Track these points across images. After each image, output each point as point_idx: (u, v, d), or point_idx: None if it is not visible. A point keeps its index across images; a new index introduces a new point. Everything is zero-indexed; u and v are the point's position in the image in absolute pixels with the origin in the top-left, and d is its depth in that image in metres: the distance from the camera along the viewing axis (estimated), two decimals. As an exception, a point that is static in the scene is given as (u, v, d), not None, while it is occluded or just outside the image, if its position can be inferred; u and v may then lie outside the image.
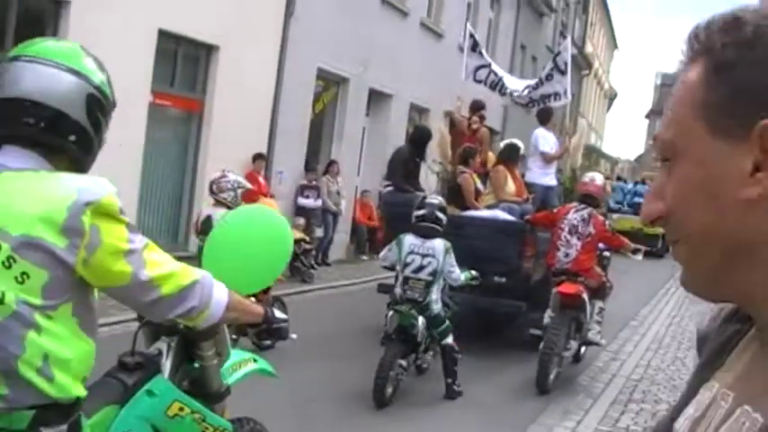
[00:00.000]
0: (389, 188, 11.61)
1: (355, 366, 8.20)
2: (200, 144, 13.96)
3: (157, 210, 13.50)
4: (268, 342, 7.67)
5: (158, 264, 2.42)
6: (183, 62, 13.67)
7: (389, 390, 7.40)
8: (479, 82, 12.73)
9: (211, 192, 8.61)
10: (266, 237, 3.31)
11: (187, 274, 2.49)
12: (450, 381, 7.79)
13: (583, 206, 9.10)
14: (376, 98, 19.43)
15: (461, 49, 22.09)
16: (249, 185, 9.61)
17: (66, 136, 2.36)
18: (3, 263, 2.20)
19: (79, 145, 2.41)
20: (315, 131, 17.33)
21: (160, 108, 12.92)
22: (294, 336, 7.39)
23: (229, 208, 8.04)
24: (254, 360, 3.93)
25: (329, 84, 17.77)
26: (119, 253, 2.32)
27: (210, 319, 2.61)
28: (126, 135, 11.46)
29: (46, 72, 2.32)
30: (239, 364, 3.75)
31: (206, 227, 7.88)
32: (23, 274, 2.20)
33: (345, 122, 18.17)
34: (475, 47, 12.79)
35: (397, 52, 18.95)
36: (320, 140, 18.04)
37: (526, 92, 12.81)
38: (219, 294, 2.59)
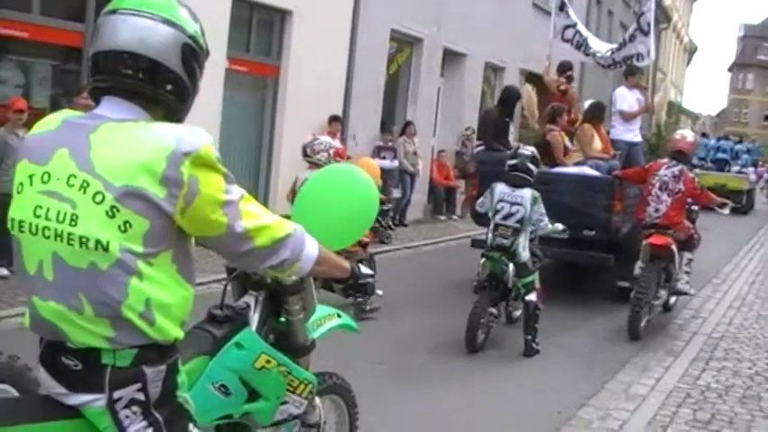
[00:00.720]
0: (481, 147, 12.08)
1: (445, 318, 8.64)
2: (276, 109, 14.07)
3: (237, 174, 13.63)
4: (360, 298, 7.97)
5: (254, 215, 2.48)
6: (258, 28, 13.77)
7: (481, 336, 7.80)
8: (567, 41, 12.97)
9: (305, 155, 8.96)
10: (352, 193, 3.38)
11: (281, 226, 2.56)
12: (529, 337, 7.89)
13: (674, 163, 9.30)
14: (450, 58, 19.29)
15: (536, 6, 22.02)
16: (339, 144, 9.90)
17: (162, 86, 2.43)
18: (106, 212, 2.28)
19: (175, 94, 2.47)
20: (390, 93, 17.32)
21: (236, 74, 13.03)
22: (380, 292, 7.84)
23: None
24: (338, 315, 3.99)
25: (403, 45, 17.71)
26: (216, 203, 2.38)
27: (301, 272, 2.68)
28: (202, 101, 11.45)
29: (142, 24, 2.38)
30: (324, 319, 3.82)
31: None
32: (126, 222, 2.28)
33: (420, 83, 18.10)
34: (563, 6, 12.94)
35: (471, 10, 18.74)
36: (395, 101, 18.02)
37: (609, 53, 12.86)
38: (310, 248, 2.65)
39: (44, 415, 2.46)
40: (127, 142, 2.33)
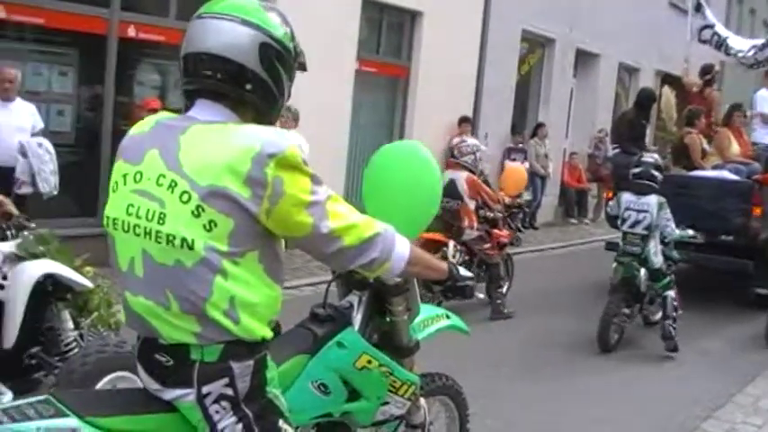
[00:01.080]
0: (616, 150, 11.96)
1: (580, 318, 8.80)
2: (405, 109, 14.12)
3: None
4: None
5: (341, 215, 2.47)
6: (388, 29, 13.85)
7: (615, 336, 8.00)
8: (704, 42, 12.67)
9: (452, 156, 9.17)
10: (411, 170, 3.34)
11: (369, 226, 2.54)
12: (669, 329, 7.94)
13: None
14: (583, 58, 18.94)
15: (672, 5, 21.39)
16: (484, 148, 10.04)
17: (242, 85, 2.44)
18: (192, 212, 2.32)
19: (257, 94, 2.48)
20: (521, 94, 17.13)
21: (366, 74, 13.15)
22: (481, 296, 7.94)
23: (471, 171, 8.82)
24: (447, 316, 3.95)
25: (534, 45, 17.50)
26: (301, 204, 2.38)
27: (392, 272, 2.65)
28: (333, 102, 11.81)
29: (220, 26, 2.42)
30: (431, 320, 3.78)
31: (448, 190, 8.38)
32: (211, 222, 2.31)
33: (552, 84, 17.84)
34: (699, 7, 12.63)
35: (604, 10, 18.32)
36: (527, 103, 17.83)
37: (752, 52, 12.46)
38: (401, 248, 2.63)
39: (145, 408, 2.53)
40: (213, 143, 2.36)
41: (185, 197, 2.33)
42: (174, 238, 2.34)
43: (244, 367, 2.45)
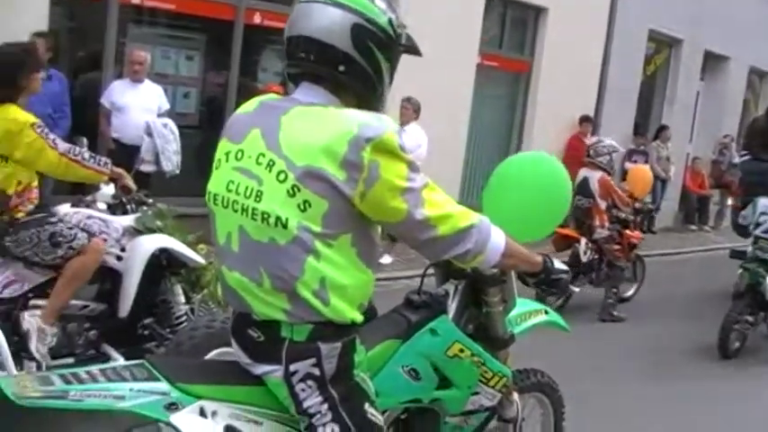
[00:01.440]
0: (746, 157, 11.56)
1: (700, 324, 8.61)
2: (526, 106, 14.03)
3: (483, 169, 13.73)
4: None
5: (437, 204, 2.49)
6: (511, 24, 13.78)
7: (736, 343, 7.87)
8: None
9: (588, 155, 9.20)
10: (544, 184, 3.32)
11: (465, 216, 2.55)
12: None
13: None
14: (711, 61, 18.38)
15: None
16: (621, 149, 10.02)
17: (335, 66, 2.48)
18: (288, 191, 2.37)
19: (352, 76, 2.51)
20: (645, 95, 16.79)
21: (488, 69, 13.12)
22: (577, 289, 8.19)
23: (606, 171, 8.90)
24: (546, 312, 3.94)
25: (661, 45, 17.11)
26: (396, 190, 2.40)
27: (486, 263, 2.66)
28: (454, 95, 11.83)
29: (314, 8, 2.47)
30: (529, 314, 3.77)
31: (581, 188, 8.74)
32: (305, 202, 2.36)
33: (678, 86, 17.39)
34: None
35: (734, 11, 17.68)
36: (651, 104, 17.44)
37: None
38: (496, 240, 2.62)
39: (235, 379, 2.63)
40: (312, 125, 2.41)
41: (282, 176, 2.39)
42: (269, 215, 2.40)
43: (331, 348, 2.50)
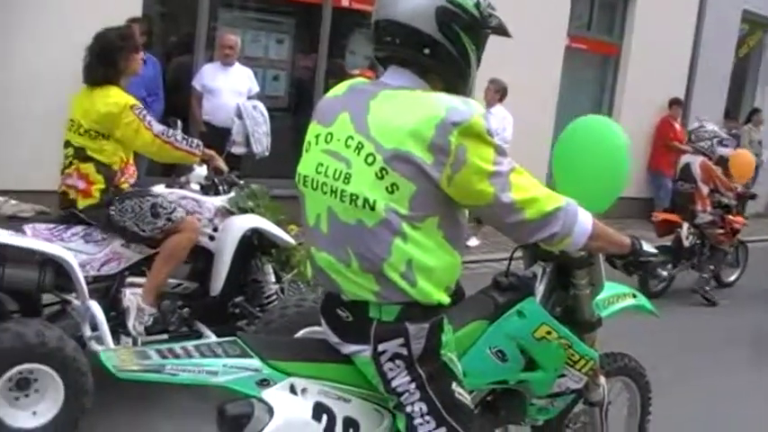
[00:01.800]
0: None
1: None
2: (615, 88, 13.85)
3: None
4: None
5: (524, 188, 2.50)
6: (600, 6, 13.59)
7: None
8: None
9: (689, 140, 9.36)
10: (599, 144, 3.29)
11: (552, 200, 2.56)
12: None
13: None
14: (810, 42, 17.88)
15: None
16: (725, 136, 10.01)
17: (419, 49, 2.51)
18: (376, 173, 2.42)
19: (437, 59, 2.54)
20: (737, 77, 16.40)
21: (576, 52, 12.98)
22: (665, 273, 8.22)
23: (708, 156, 9.00)
24: (634, 296, 3.92)
25: (755, 27, 16.66)
26: (483, 173, 2.43)
27: (573, 246, 2.66)
28: (542, 78, 11.75)
29: None
30: (616, 297, 3.75)
31: (684, 173, 9.04)
32: (393, 185, 2.41)
33: (772, 68, 16.98)
34: None
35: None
36: (743, 87, 17.03)
37: None
38: (584, 222, 2.63)
39: (325, 356, 2.70)
40: (400, 108, 2.45)
41: (370, 159, 2.43)
42: (358, 197, 2.45)
43: (419, 329, 2.54)
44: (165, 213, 4.84)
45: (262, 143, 8.12)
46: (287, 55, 10.28)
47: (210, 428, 4.13)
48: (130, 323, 4.77)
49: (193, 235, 4.94)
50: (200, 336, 5.08)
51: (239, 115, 8.20)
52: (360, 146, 2.47)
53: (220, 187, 5.33)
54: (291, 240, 5.29)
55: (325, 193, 2.54)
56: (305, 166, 2.65)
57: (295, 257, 5.43)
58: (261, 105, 8.38)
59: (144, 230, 4.82)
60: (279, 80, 10.24)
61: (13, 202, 4.84)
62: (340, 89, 2.69)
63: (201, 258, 5.14)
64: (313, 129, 2.67)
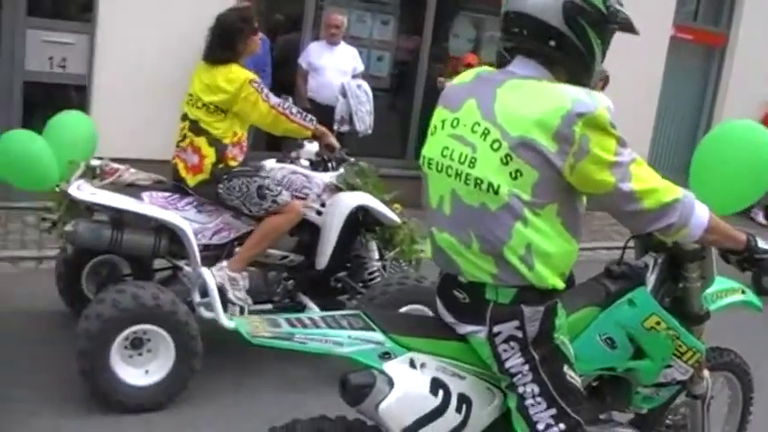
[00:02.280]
0: None
1: None
2: (719, 80, 13.53)
3: (670, 145, 13.41)
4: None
5: (643, 179, 2.55)
6: (708, -5, 13.34)
7: None
8: None
9: None
10: (748, 155, 3.29)
11: (670, 191, 2.59)
12: None
13: None
14: None
15: None
16: None
17: (546, 41, 2.58)
18: (501, 159, 2.49)
19: (563, 52, 2.60)
20: None
21: (681, 42, 12.74)
22: None
23: None
24: (743, 292, 3.90)
25: None
26: (604, 163, 2.49)
27: (688, 238, 2.69)
28: (645, 68, 11.58)
29: None
30: (725, 292, 3.73)
31: None
32: (517, 171, 2.48)
33: None
34: None
35: None
36: None
37: None
38: (700, 215, 2.65)
39: (442, 334, 2.78)
40: (526, 97, 2.52)
41: (496, 145, 2.50)
42: (482, 181, 2.52)
43: (534, 312, 2.61)
44: (271, 196, 4.98)
45: (364, 121, 8.22)
46: (391, 36, 10.34)
47: (307, 396, 4.29)
48: (230, 295, 4.91)
49: (294, 217, 5.07)
50: (303, 308, 5.21)
51: (343, 94, 8.33)
52: (486, 132, 2.54)
53: (329, 164, 5.44)
54: (396, 219, 5.38)
55: (450, 175, 2.62)
56: (430, 149, 2.73)
57: (398, 236, 5.51)
58: (365, 84, 8.49)
59: (250, 210, 4.98)
60: (382, 61, 10.31)
61: (133, 170, 5.02)
62: (467, 76, 2.76)
63: (308, 232, 5.27)
64: (439, 113, 2.75)
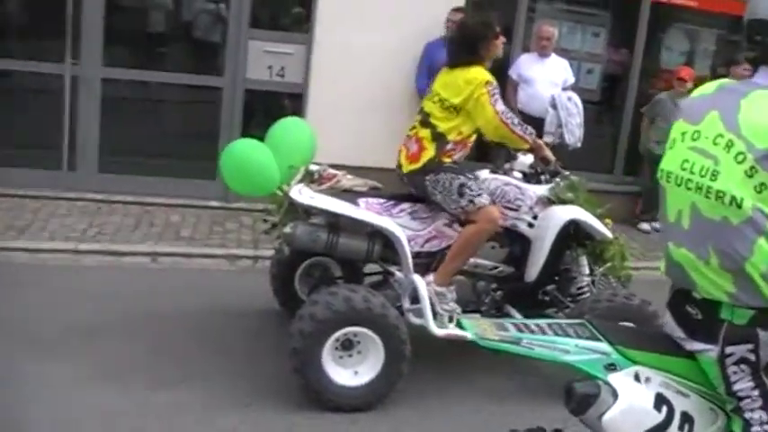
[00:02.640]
0: None
1: None
2: None
3: None
4: None
5: None
6: None
7: None
8: None
9: None
10: None
11: None
12: None
13: None
14: None
15: None
16: None
17: None
18: (745, 172, 2.41)
19: None
20: None
21: None
22: None
23: None
24: None
25: None
26: None
27: None
28: None
29: None
30: None
31: None
32: (762, 184, 2.39)
33: None
34: None
35: None
36: None
37: None
38: None
39: (670, 350, 2.72)
40: None
41: (740, 157, 2.42)
42: (724, 195, 2.45)
43: None
44: (470, 195, 4.97)
45: (574, 134, 8.07)
46: (601, 48, 10.17)
47: (510, 407, 4.25)
48: (438, 308, 4.93)
49: (491, 226, 5.03)
50: (509, 319, 5.19)
51: (553, 105, 8.22)
52: (729, 144, 2.47)
53: (542, 176, 5.41)
54: (608, 234, 5.28)
55: (690, 189, 2.56)
56: (669, 163, 2.68)
57: (609, 251, 5.41)
58: (575, 97, 8.35)
59: (450, 207, 5.00)
60: (592, 73, 10.13)
61: (350, 176, 5.17)
62: (708, 88, 2.70)
63: (518, 244, 5.25)
64: (679, 126, 2.69)
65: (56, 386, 4.59)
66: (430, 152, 5.03)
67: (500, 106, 4.99)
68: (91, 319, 5.51)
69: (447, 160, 5.06)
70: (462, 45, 5.10)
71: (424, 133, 5.07)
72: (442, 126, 5.02)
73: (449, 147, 5.05)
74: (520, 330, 2.59)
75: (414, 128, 5.18)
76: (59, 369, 4.77)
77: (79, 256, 6.76)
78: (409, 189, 5.20)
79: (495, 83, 5.02)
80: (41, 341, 5.10)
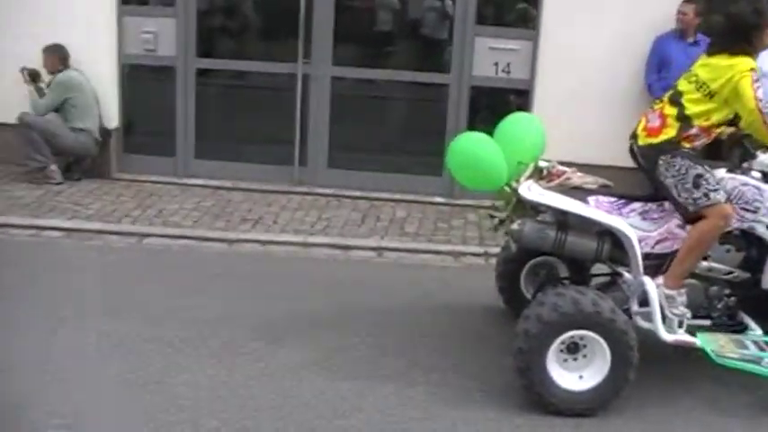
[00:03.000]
0: None
1: None
2: None
3: None
4: None
5: None
6: None
7: None
8: None
9: None
10: None
11: None
12: None
13: None
14: None
15: None
16: None
17: None
18: None
19: None
20: None
21: None
22: None
23: None
24: None
25: None
26: None
27: None
28: None
29: None
30: None
31: None
32: None
33: None
34: None
35: None
36: None
37: None
38: None
39: None
40: None
41: None
42: None
43: None
44: (706, 188, 4.70)
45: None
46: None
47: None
48: (667, 312, 4.74)
49: (723, 222, 4.74)
50: (744, 327, 4.91)
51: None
52: None
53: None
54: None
55: None
56: None
57: None
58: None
59: (679, 195, 4.76)
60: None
61: (579, 173, 5.05)
62: None
63: (755, 248, 4.95)
64: None
65: (284, 370, 4.81)
66: (671, 131, 4.83)
67: (761, 94, 4.68)
68: (317, 308, 5.72)
69: (687, 145, 4.83)
70: (731, 35, 4.77)
71: (670, 111, 4.86)
72: (692, 109, 4.79)
73: (693, 131, 4.81)
74: (761, 349, 2.43)
75: (660, 102, 4.99)
76: (287, 354, 5.01)
77: (308, 249, 7.01)
78: (635, 172, 4.98)
79: (758, 71, 4.71)
80: (271, 327, 5.36)
